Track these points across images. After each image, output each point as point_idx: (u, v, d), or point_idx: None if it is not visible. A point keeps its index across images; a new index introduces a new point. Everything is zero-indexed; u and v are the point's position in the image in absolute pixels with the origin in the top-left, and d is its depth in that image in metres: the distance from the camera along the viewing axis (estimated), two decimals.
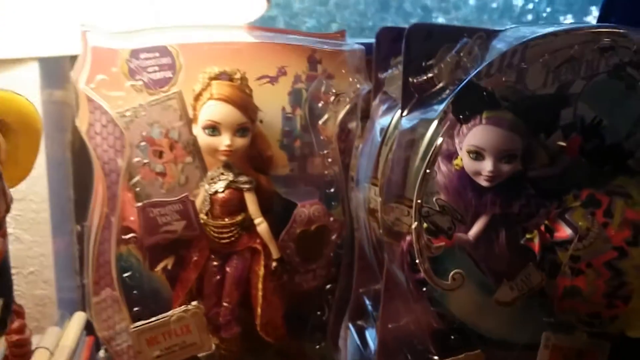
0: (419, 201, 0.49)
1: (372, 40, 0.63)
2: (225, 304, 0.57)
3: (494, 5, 1.19)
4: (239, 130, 0.55)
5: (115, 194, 0.55)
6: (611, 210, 0.48)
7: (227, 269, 0.57)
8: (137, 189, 0.55)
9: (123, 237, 0.55)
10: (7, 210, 0.48)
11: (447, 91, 0.50)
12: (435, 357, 0.52)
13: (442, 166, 0.51)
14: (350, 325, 0.63)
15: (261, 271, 0.57)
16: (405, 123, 0.51)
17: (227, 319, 0.57)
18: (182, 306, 0.55)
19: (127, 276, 0.55)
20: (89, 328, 0.62)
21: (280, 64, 0.59)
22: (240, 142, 0.55)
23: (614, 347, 0.50)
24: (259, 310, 0.57)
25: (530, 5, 1.18)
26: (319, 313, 0.61)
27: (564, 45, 0.49)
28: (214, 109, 0.54)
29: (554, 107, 0.49)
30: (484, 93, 0.48)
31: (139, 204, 0.54)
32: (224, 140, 0.54)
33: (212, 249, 0.57)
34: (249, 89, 0.56)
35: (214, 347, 0.57)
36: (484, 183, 0.49)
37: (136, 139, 0.55)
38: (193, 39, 0.57)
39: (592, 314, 0.49)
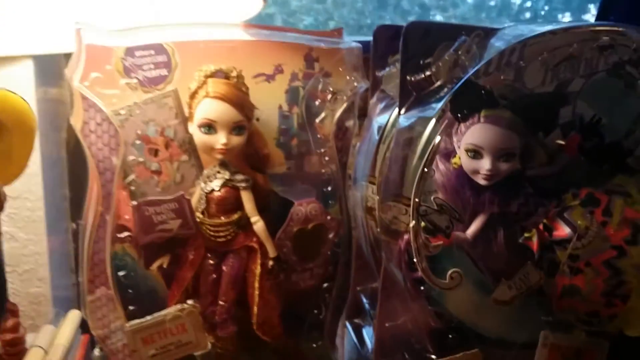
0: (416, 200, 0.48)
1: (370, 38, 0.62)
2: (221, 302, 0.56)
3: (492, 3, 1.19)
4: (235, 128, 0.54)
5: (110, 192, 0.54)
6: (610, 209, 0.48)
7: (224, 268, 0.57)
8: (132, 188, 0.55)
9: (118, 235, 0.55)
10: (2, 208, 0.48)
11: (445, 89, 0.50)
12: (433, 356, 0.52)
13: (440, 165, 0.50)
14: (348, 324, 0.62)
15: (258, 270, 0.57)
16: (403, 121, 0.51)
17: (223, 317, 0.56)
18: (178, 305, 0.55)
19: (122, 275, 0.55)
20: (84, 326, 0.61)
21: (277, 61, 0.58)
22: (237, 140, 0.55)
23: (613, 346, 0.50)
24: (255, 309, 0.56)
25: (529, 4, 1.18)
26: (316, 312, 0.61)
27: (563, 43, 0.49)
28: (209, 107, 0.54)
29: (552, 106, 0.49)
30: (482, 91, 0.48)
31: (134, 203, 0.53)
32: (220, 139, 0.54)
33: (208, 247, 0.56)
34: (245, 87, 0.56)
35: (209, 346, 0.56)
36: (482, 182, 0.49)
37: (131, 137, 0.54)
38: (189, 36, 0.57)
39: (590, 313, 0.49)
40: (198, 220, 0.55)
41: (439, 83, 0.50)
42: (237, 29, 0.60)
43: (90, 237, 0.55)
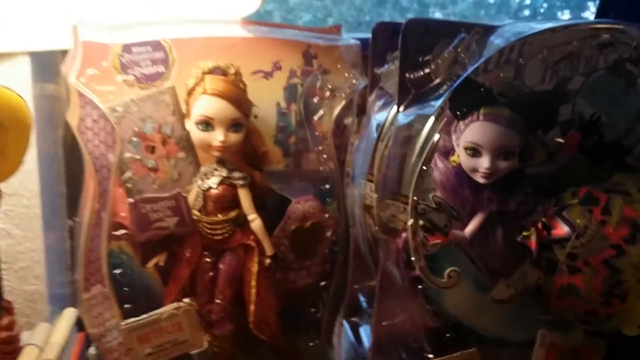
0: (415, 198, 0.48)
1: (369, 35, 0.62)
2: (218, 301, 0.56)
3: (491, 0, 1.18)
4: (233, 125, 0.54)
5: (106, 189, 0.54)
6: (609, 208, 0.47)
7: (220, 266, 0.56)
8: (129, 185, 0.55)
9: (114, 233, 0.54)
10: None
11: (444, 87, 0.49)
12: (430, 355, 0.52)
13: (438, 163, 0.50)
14: (345, 322, 0.62)
15: (255, 268, 0.56)
16: (402, 119, 0.51)
17: (220, 316, 0.56)
18: (174, 303, 0.55)
19: (118, 273, 0.55)
20: (79, 324, 0.61)
21: (275, 58, 0.58)
22: (234, 137, 0.54)
23: (610, 345, 0.50)
24: (252, 307, 0.56)
25: (528, 1, 1.18)
26: (313, 310, 0.61)
27: (563, 41, 0.48)
28: (207, 104, 0.53)
29: (552, 104, 0.49)
30: (482, 89, 0.48)
31: (131, 200, 0.53)
32: (218, 136, 0.54)
33: (205, 245, 0.56)
34: (243, 84, 0.56)
35: (206, 344, 0.56)
36: (481, 180, 0.49)
37: (128, 134, 0.54)
38: (187, 33, 0.56)
39: (588, 312, 0.49)
40: (195, 218, 0.55)
41: (438, 80, 0.50)
42: (235, 26, 0.59)
43: (86, 234, 0.55)
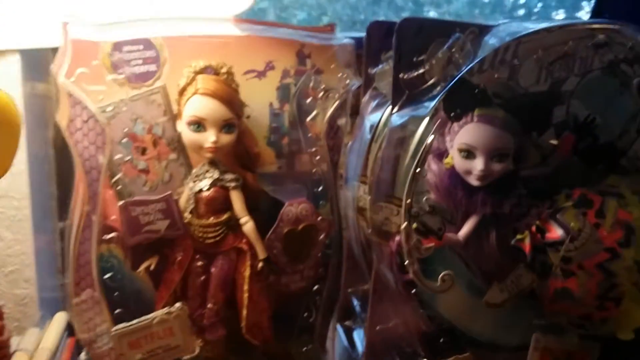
0: (408, 201, 0.48)
1: (363, 35, 0.61)
2: (210, 305, 0.55)
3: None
4: (225, 126, 0.53)
5: (96, 192, 0.53)
6: (603, 211, 0.47)
7: (212, 270, 0.56)
8: (119, 187, 0.54)
9: (104, 236, 0.54)
10: None
11: (439, 88, 0.49)
12: None
13: (432, 165, 0.50)
14: (338, 326, 0.62)
15: (247, 272, 0.56)
16: (396, 120, 0.50)
17: (212, 320, 0.56)
18: (165, 308, 0.54)
19: (108, 277, 0.54)
20: (70, 329, 0.60)
21: (268, 58, 0.58)
22: (226, 138, 0.54)
23: (605, 349, 0.50)
24: (244, 311, 0.56)
25: (522, 0, 1.18)
26: (306, 314, 0.60)
27: (558, 41, 0.48)
28: (199, 104, 0.53)
29: (546, 105, 0.49)
30: (476, 90, 0.47)
31: (121, 203, 0.53)
32: (209, 137, 0.53)
33: (197, 249, 0.55)
34: (236, 83, 0.55)
35: (198, 349, 0.55)
36: (475, 182, 0.48)
37: (118, 135, 0.53)
38: (178, 31, 0.56)
39: (583, 316, 0.49)
40: (186, 220, 0.54)
41: (432, 81, 0.49)
42: (228, 24, 0.59)
43: (76, 238, 0.54)
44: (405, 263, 0.48)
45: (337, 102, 0.59)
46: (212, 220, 0.55)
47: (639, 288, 0.47)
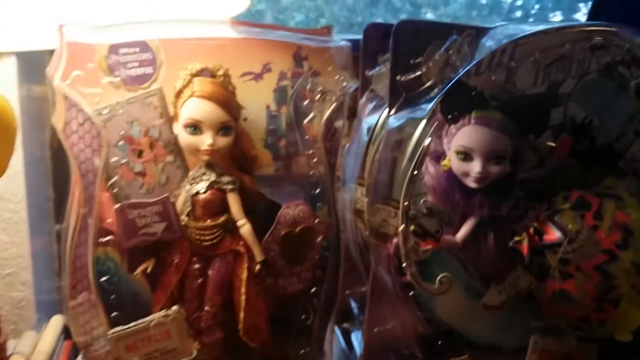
0: (406, 203, 0.48)
1: (360, 37, 0.61)
2: (207, 308, 0.55)
3: (483, 1, 1.18)
4: (222, 128, 0.53)
5: (92, 195, 0.53)
6: (601, 213, 0.47)
7: (209, 272, 0.55)
8: (115, 190, 0.54)
9: (101, 239, 0.53)
10: None
11: (436, 90, 0.49)
12: None
13: (429, 167, 0.50)
14: (336, 328, 0.61)
15: (244, 274, 0.55)
16: (393, 122, 0.50)
17: (209, 323, 0.55)
18: (162, 311, 0.54)
19: (104, 280, 0.54)
20: (67, 332, 0.60)
21: (265, 60, 0.57)
22: (223, 141, 0.53)
23: (603, 351, 0.50)
24: (242, 314, 0.55)
25: (519, 2, 1.18)
26: (303, 317, 0.60)
27: (555, 43, 0.48)
28: (195, 107, 0.53)
29: (543, 107, 0.49)
30: (473, 92, 0.47)
31: (117, 205, 0.52)
32: (206, 140, 0.53)
33: (194, 251, 0.55)
34: (232, 86, 0.55)
35: (195, 352, 0.55)
36: (473, 184, 0.48)
37: (114, 137, 0.53)
38: (175, 33, 0.55)
39: (581, 318, 0.49)
40: (183, 223, 0.54)
41: (429, 83, 0.49)
42: (225, 26, 0.59)
43: (72, 240, 0.54)
44: (403, 265, 0.48)
45: (334, 105, 0.59)
46: (209, 222, 0.55)
47: (637, 290, 0.47)
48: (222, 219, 0.55)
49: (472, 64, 0.47)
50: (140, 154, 0.54)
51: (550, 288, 0.48)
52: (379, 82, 0.59)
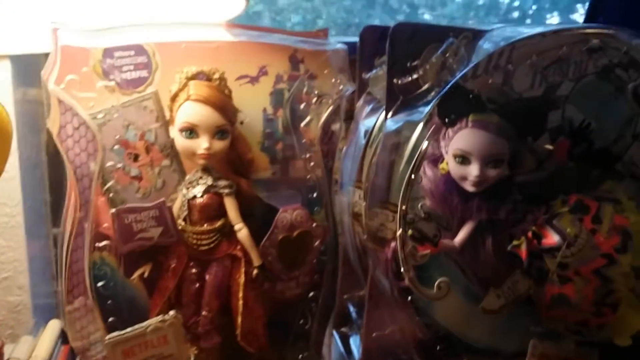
0: (403, 207, 0.47)
1: (356, 39, 0.61)
2: (204, 313, 0.55)
3: (480, 2, 1.18)
4: (218, 132, 0.53)
5: (88, 199, 0.53)
6: (600, 217, 0.47)
7: (207, 277, 0.55)
8: (111, 194, 0.53)
9: (97, 244, 0.53)
10: None
11: (433, 93, 0.49)
12: None
13: (427, 170, 0.49)
14: (335, 333, 0.61)
15: (241, 279, 0.55)
16: (390, 125, 0.50)
17: (207, 328, 0.55)
18: (159, 316, 0.53)
19: (101, 285, 0.54)
20: (64, 337, 0.60)
21: (261, 63, 0.57)
22: (219, 145, 0.53)
23: (602, 355, 0.49)
24: (239, 319, 0.55)
25: (517, 3, 1.18)
26: (301, 322, 0.60)
27: (552, 46, 0.48)
28: (191, 111, 0.52)
29: (541, 110, 0.48)
30: (470, 95, 0.47)
31: (113, 210, 0.52)
32: (202, 143, 0.52)
33: (191, 256, 0.55)
34: (228, 89, 0.55)
35: (192, 357, 0.55)
36: (470, 188, 0.48)
37: (110, 141, 0.53)
38: (170, 37, 0.55)
39: (580, 322, 0.48)
40: (180, 227, 0.54)
41: (426, 86, 0.49)
42: (220, 29, 0.58)
43: (68, 245, 0.54)
44: (401, 270, 0.47)
45: (330, 108, 0.59)
46: (206, 227, 0.54)
47: (635, 294, 0.47)
48: (219, 223, 0.55)
49: (469, 67, 0.47)
50: (136, 158, 0.54)
51: (549, 292, 0.48)
52: (375, 85, 0.58)
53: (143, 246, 0.53)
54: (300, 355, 0.60)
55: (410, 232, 0.47)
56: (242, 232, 0.55)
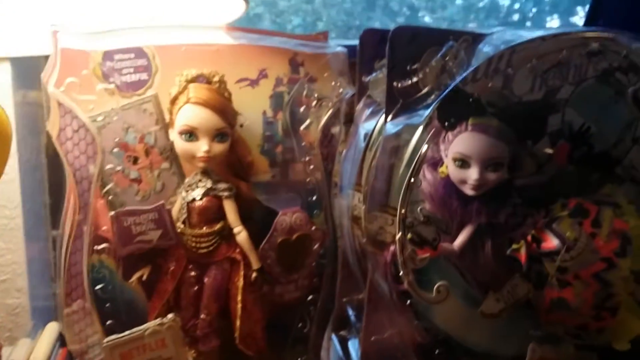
0: (403, 211, 0.47)
1: (356, 42, 0.61)
2: (203, 316, 0.55)
3: (481, 5, 1.18)
4: (218, 135, 0.53)
5: (87, 202, 0.53)
6: (599, 220, 0.47)
7: (205, 280, 0.55)
8: (111, 197, 0.53)
9: (96, 247, 0.53)
10: None
11: (433, 96, 0.49)
12: None
13: (427, 174, 0.49)
14: (333, 336, 0.61)
15: (240, 282, 0.55)
16: (390, 128, 0.50)
17: (205, 331, 0.55)
18: (158, 319, 0.53)
19: (99, 288, 0.53)
20: (62, 340, 0.60)
21: (261, 66, 0.57)
22: (219, 147, 0.53)
23: (601, 359, 0.49)
24: (238, 322, 0.55)
25: (517, 5, 1.18)
26: (300, 325, 0.60)
27: (552, 49, 0.48)
28: (191, 114, 0.52)
29: (541, 113, 0.48)
30: (470, 99, 0.47)
31: (112, 213, 0.52)
32: (202, 146, 0.52)
33: (190, 259, 0.55)
34: (228, 92, 0.55)
35: None
36: (470, 192, 0.48)
37: (109, 144, 0.53)
38: (170, 39, 0.55)
39: (579, 326, 0.48)
40: (179, 230, 0.54)
41: (426, 90, 0.49)
42: (220, 32, 0.58)
43: (67, 248, 0.54)
44: (400, 274, 0.47)
45: (330, 111, 0.59)
46: (205, 230, 0.54)
47: (635, 298, 0.47)
48: (218, 226, 0.55)
49: (469, 70, 0.47)
50: (135, 160, 0.54)
51: (549, 296, 0.48)
52: (375, 88, 0.58)
53: (142, 249, 0.53)
54: (299, 359, 0.60)
55: (409, 235, 0.47)
56: (241, 235, 0.55)
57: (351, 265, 0.58)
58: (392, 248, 0.48)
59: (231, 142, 0.54)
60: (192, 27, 0.58)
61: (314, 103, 0.58)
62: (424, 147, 0.48)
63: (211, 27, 0.59)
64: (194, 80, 0.53)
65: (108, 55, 0.53)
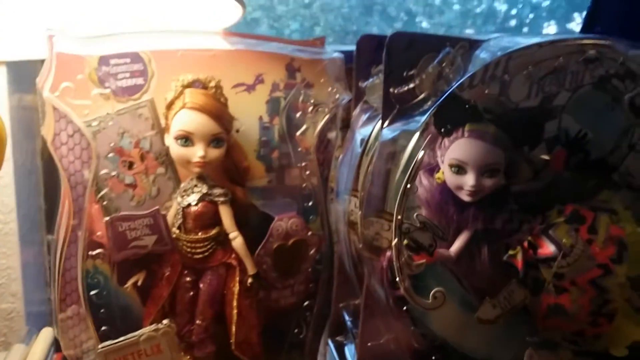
0: (399, 217, 0.47)
1: (353, 48, 0.61)
2: (198, 321, 0.55)
3: (478, 10, 1.18)
4: (213, 140, 0.53)
5: (82, 207, 0.53)
6: (595, 227, 0.47)
7: (201, 285, 0.55)
8: (105, 202, 0.53)
9: (90, 252, 0.53)
10: None
11: (429, 102, 0.49)
12: None
13: (423, 180, 0.49)
14: (330, 342, 0.61)
15: (236, 287, 0.55)
16: (386, 134, 0.50)
17: (201, 337, 0.55)
18: (153, 325, 0.53)
19: (94, 294, 0.53)
20: (57, 345, 0.59)
21: (257, 71, 0.57)
22: (215, 153, 0.53)
23: None
24: (233, 328, 0.55)
25: (514, 11, 1.18)
26: (296, 331, 0.59)
27: (549, 56, 0.48)
28: (187, 119, 0.52)
29: (538, 120, 0.48)
30: (467, 105, 0.47)
31: (107, 218, 0.52)
32: (198, 151, 0.52)
33: (185, 264, 0.55)
34: (224, 97, 0.55)
35: None
36: (466, 198, 0.48)
37: (104, 149, 0.53)
38: (166, 44, 0.55)
39: (576, 332, 0.48)
40: (174, 236, 0.54)
41: (422, 96, 0.49)
42: (217, 37, 0.58)
43: (62, 253, 0.54)
44: (397, 279, 0.47)
45: (327, 116, 0.59)
46: (200, 235, 0.54)
47: (631, 304, 0.47)
48: (213, 231, 0.54)
49: (466, 76, 0.47)
50: (130, 165, 0.54)
51: (545, 302, 0.47)
52: (372, 94, 0.58)
53: (137, 254, 0.53)
54: None
55: (405, 241, 0.47)
56: (237, 240, 0.55)
57: (347, 270, 0.58)
58: (388, 254, 0.48)
59: (227, 147, 0.54)
60: (188, 32, 0.58)
61: (310, 109, 0.58)
62: (421, 153, 0.48)
63: (208, 33, 0.59)
64: (190, 85, 0.53)
65: (104, 60, 0.52)
